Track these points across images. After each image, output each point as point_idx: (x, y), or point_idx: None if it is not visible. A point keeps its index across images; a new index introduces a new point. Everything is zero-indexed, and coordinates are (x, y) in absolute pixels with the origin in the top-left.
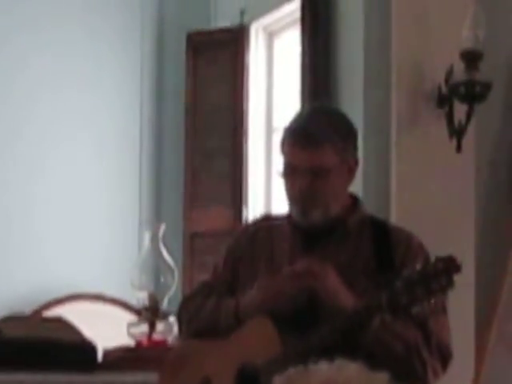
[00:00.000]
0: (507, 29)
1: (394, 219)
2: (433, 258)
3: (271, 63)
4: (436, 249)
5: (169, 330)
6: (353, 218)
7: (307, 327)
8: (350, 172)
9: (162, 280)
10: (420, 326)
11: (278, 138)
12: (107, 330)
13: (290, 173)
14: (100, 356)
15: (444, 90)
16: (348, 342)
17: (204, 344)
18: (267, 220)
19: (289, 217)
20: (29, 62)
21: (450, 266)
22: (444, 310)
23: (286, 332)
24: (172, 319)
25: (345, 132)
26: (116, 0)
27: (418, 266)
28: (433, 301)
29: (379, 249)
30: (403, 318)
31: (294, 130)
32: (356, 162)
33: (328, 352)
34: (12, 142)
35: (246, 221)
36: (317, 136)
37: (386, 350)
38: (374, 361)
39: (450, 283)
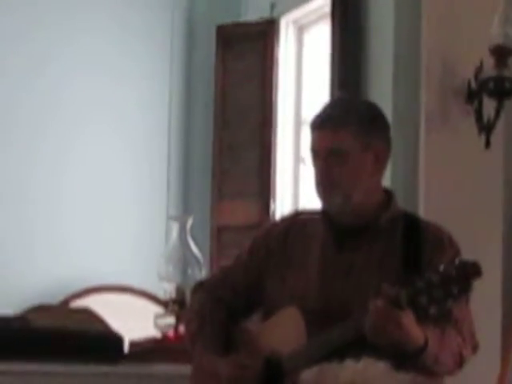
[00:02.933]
0: None
1: (422, 215)
2: (459, 258)
3: (301, 57)
4: (463, 245)
5: None
6: (386, 215)
7: (336, 321)
8: (377, 162)
9: (189, 272)
10: (449, 320)
11: (306, 131)
12: (134, 321)
13: (312, 158)
14: (126, 347)
15: (473, 85)
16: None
17: (239, 330)
18: (301, 215)
19: (322, 213)
20: (57, 55)
21: (471, 271)
22: (467, 300)
23: (313, 325)
24: None
25: (368, 119)
26: None
27: (441, 268)
28: (450, 303)
29: (409, 246)
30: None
31: (317, 115)
32: (384, 153)
33: (353, 348)
34: (40, 133)
35: (274, 214)
36: (334, 119)
37: (443, 367)
38: (399, 360)
39: (468, 288)
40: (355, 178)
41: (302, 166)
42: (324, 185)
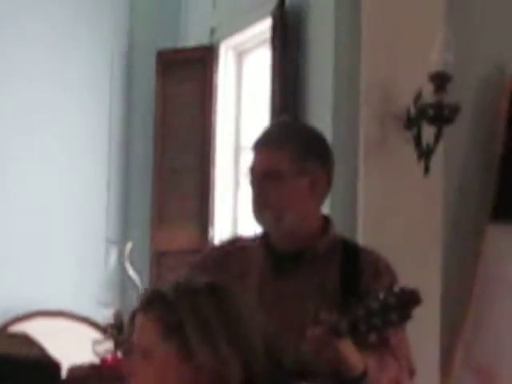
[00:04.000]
0: (475, 51)
1: (361, 241)
2: (398, 285)
3: (240, 82)
4: (403, 272)
5: None
6: (323, 241)
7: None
8: (313, 188)
9: (128, 297)
10: (386, 346)
11: (245, 157)
12: (73, 347)
13: (250, 178)
14: (64, 373)
15: (412, 112)
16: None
17: None
18: (239, 241)
19: (261, 239)
20: None
21: (411, 299)
22: (404, 326)
23: None
24: None
25: (307, 144)
26: (86, 16)
27: (381, 296)
28: (390, 330)
29: (346, 272)
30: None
31: (258, 136)
32: (322, 180)
33: (293, 374)
34: None
35: (213, 239)
36: (272, 141)
37: None
38: None
39: (408, 316)
40: (288, 200)
41: (240, 192)
42: (257, 205)
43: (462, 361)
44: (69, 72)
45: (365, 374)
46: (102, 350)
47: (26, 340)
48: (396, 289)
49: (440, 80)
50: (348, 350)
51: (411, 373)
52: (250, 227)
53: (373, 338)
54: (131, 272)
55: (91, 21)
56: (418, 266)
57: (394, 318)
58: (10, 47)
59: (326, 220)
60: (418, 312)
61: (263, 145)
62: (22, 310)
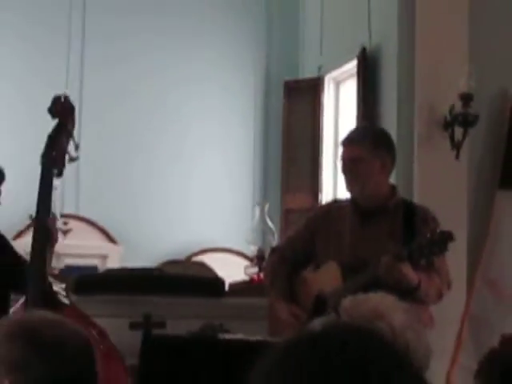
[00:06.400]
0: (490, 79)
1: (416, 201)
2: (440, 229)
3: (338, 104)
4: (443, 221)
5: None
6: (391, 201)
7: (361, 270)
8: (384, 167)
9: (267, 239)
10: (432, 267)
11: (340, 150)
12: (232, 271)
13: (341, 163)
14: (227, 287)
15: (448, 119)
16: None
17: (299, 278)
18: (336, 202)
19: (351, 201)
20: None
21: (447, 237)
22: (444, 254)
23: (346, 273)
24: None
25: (378, 140)
26: (233, 58)
27: (428, 235)
28: (433, 257)
29: (407, 221)
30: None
31: (345, 136)
32: (389, 162)
33: (372, 287)
34: (172, 153)
35: (321, 202)
36: (354, 138)
37: (430, 299)
38: (403, 294)
39: (446, 248)
40: (367, 175)
41: (338, 172)
42: (347, 180)
43: (481, 282)
44: (226, 99)
45: (419, 285)
46: (250, 272)
47: (202, 266)
48: (438, 231)
49: (466, 98)
50: (407, 270)
51: (449, 285)
52: (344, 193)
53: (423, 262)
54: (269, 222)
55: (236, 61)
56: (451, 217)
57: (437, 249)
58: (165, 96)
59: (393, 187)
60: (451, 246)
61: (349, 141)
62: (198, 247)
